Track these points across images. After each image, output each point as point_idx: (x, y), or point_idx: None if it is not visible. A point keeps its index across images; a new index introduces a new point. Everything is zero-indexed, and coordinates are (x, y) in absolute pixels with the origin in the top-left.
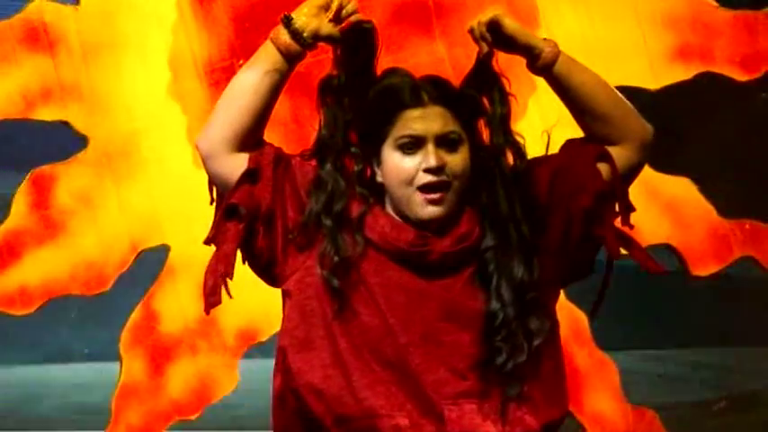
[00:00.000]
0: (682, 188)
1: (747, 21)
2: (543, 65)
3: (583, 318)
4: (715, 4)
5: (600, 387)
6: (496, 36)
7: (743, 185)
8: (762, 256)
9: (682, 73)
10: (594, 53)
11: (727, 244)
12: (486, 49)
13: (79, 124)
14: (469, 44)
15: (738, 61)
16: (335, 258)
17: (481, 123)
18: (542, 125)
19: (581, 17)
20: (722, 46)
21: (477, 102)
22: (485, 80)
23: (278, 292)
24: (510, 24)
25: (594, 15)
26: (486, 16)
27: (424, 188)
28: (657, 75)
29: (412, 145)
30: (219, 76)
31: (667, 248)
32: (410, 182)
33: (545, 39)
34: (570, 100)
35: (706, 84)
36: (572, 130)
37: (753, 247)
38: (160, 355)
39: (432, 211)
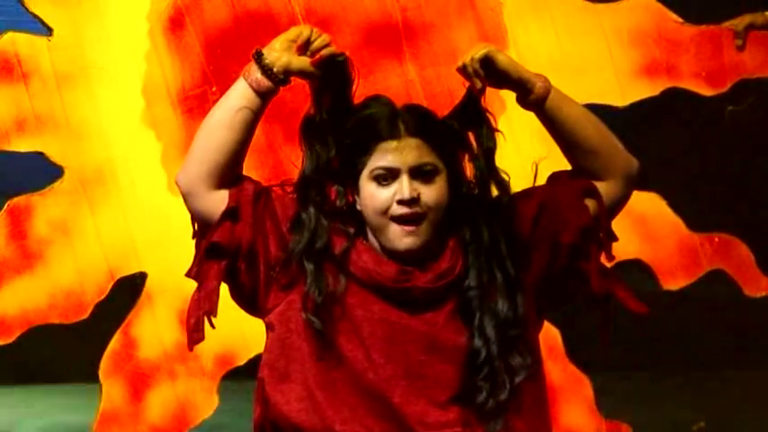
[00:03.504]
0: (650, 203)
1: (712, 36)
2: (535, 99)
3: (556, 334)
4: (680, 20)
5: (574, 401)
6: (489, 71)
7: (711, 198)
8: (732, 269)
9: (649, 89)
10: (562, 70)
11: (697, 258)
12: (479, 85)
13: (54, 154)
14: (440, 65)
15: (704, 76)
16: (318, 299)
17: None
18: (513, 145)
19: (548, 35)
20: (688, 61)
21: (458, 134)
22: (473, 116)
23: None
24: (503, 59)
25: (561, 33)
26: (478, 52)
27: (399, 219)
28: (624, 91)
29: (386, 177)
30: (192, 103)
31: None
32: (384, 212)
33: (536, 74)
34: (559, 134)
35: (673, 99)
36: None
37: (722, 260)
38: (139, 381)
39: (407, 242)
